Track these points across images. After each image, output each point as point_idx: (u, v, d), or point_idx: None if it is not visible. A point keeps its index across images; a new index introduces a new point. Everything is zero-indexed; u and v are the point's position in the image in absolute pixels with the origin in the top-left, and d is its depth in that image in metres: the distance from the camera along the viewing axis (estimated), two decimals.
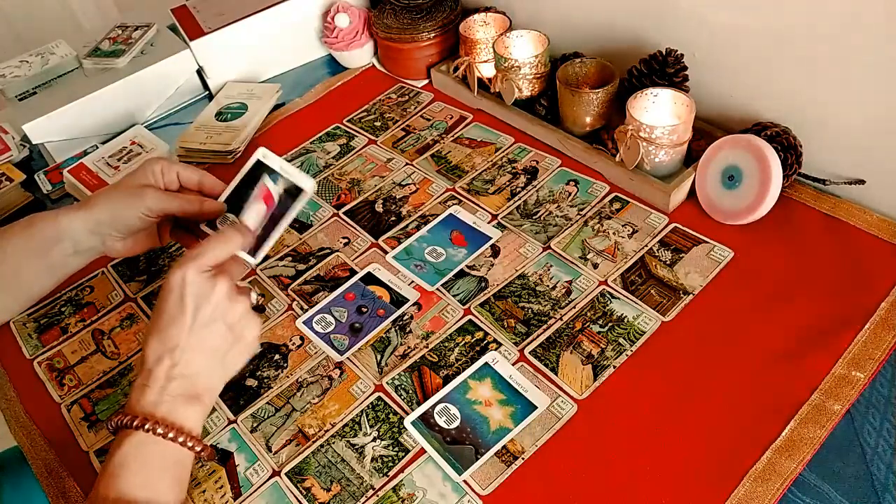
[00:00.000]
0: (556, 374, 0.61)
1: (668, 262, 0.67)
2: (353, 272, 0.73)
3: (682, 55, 0.74)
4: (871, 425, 0.54)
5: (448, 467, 0.56)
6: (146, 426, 0.51)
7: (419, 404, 0.60)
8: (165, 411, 0.53)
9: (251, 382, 0.65)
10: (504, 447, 0.57)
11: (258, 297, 0.62)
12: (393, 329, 0.67)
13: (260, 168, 0.64)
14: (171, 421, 0.52)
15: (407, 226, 0.77)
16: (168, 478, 0.52)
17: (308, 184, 0.61)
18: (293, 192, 0.62)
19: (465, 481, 0.55)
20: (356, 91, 0.98)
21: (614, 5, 0.82)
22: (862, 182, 0.68)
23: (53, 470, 0.62)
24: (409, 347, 0.65)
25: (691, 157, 0.73)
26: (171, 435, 0.52)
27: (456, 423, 0.58)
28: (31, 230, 0.67)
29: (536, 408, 0.58)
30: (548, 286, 0.67)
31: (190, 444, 0.53)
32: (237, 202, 0.64)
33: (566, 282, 0.68)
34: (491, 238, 0.73)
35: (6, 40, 1.90)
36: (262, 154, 0.63)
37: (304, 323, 0.69)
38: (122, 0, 2.03)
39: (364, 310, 0.69)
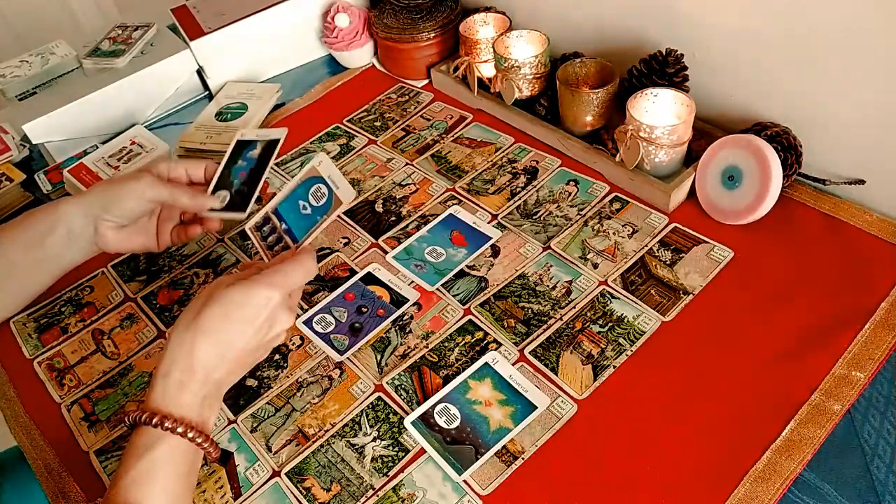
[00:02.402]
0: (556, 374, 0.61)
1: (668, 262, 0.67)
2: (353, 272, 0.73)
3: (682, 55, 0.74)
4: (871, 425, 0.54)
5: (448, 467, 0.56)
6: (189, 434, 0.50)
7: (419, 404, 0.60)
8: (197, 413, 0.52)
9: (251, 382, 0.65)
10: (504, 447, 0.57)
11: None
12: (393, 329, 0.67)
13: (243, 147, 0.70)
14: (202, 424, 0.52)
15: (407, 226, 0.77)
16: (188, 484, 0.51)
17: (349, 196, 0.65)
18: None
19: (465, 481, 0.55)
20: (356, 91, 0.98)
21: (614, 5, 0.82)
22: (862, 182, 0.68)
23: (53, 470, 0.62)
24: (409, 347, 0.65)
25: (691, 157, 0.73)
26: (199, 440, 0.51)
27: (456, 423, 0.58)
28: (26, 221, 0.67)
29: (536, 408, 0.58)
30: (548, 286, 0.67)
31: (210, 448, 0.53)
32: (227, 177, 0.69)
33: (566, 282, 0.68)
34: (491, 238, 0.73)
35: (6, 40, 1.90)
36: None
37: (304, 323, 0.69)
38: (122, 0, 2.03)
39: (364, 310, 0.69)
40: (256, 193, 0.66)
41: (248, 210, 0.66)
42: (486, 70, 0.87)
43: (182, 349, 0.52)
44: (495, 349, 0.63)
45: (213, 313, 0.53)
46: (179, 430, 0.50)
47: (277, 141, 0.67)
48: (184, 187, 0.66)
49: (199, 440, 0.51)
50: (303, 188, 0.65)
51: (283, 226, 0.64)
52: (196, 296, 0.55)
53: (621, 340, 0.62)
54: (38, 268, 0.69)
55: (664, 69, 0.74)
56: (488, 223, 0.75)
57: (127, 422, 0.51)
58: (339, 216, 0.79)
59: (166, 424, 0.50)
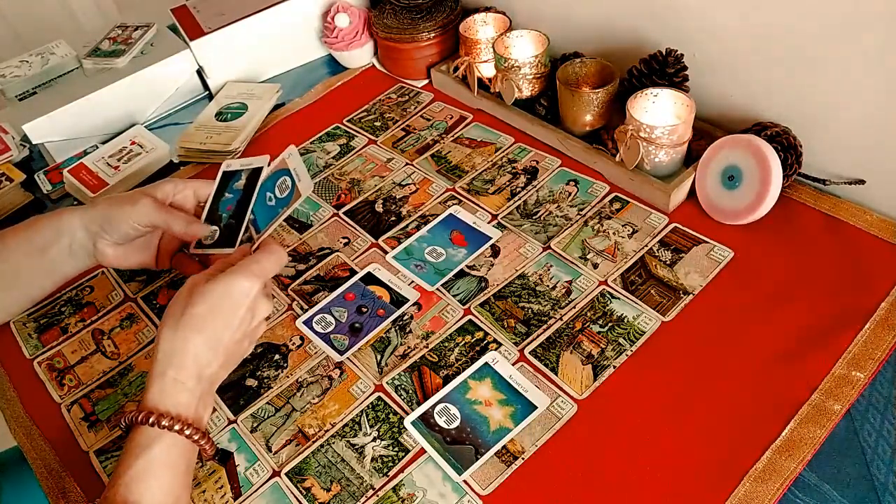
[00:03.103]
0: (556, 374, 0.61)
1: (668, 262, 0.67)
2: (353, 272, 0.73)
3: (682, 55, 0.74)
4: (871, 425, 0.54)
5: (448, 467, 0.56)
6: (186, 431, 0.51)
7: (419, 404, 0.60)
8: (193, 411, 0.52)
9: (251, 382, 0.65)
10: (504, 447, 0.57)
11: None
12: (393, 329, 0.67)
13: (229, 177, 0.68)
14: (198, 422, 0.53)
15: (407, 226, 0.77)
16: (186, 481, 0.52)
17: (307, 190, 0.63)
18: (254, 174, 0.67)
19: (465, 481, 0.55)
20: (356, 91, 0.98)
21: (614, 5, 0.82)
22: (862, 182, 0.68)
23: (53, 470, 0.62)
24: (409, 347, 0.65)
25: (691, 157, 0.73)
26: (195, 437, 0.52)
27: (456, 423, 0.58)
28: (32, 227, 0.67)
29: (536, 408, 0.58)
30: (548, 286, 0.67)
31: (206, 445, 0.53)
32: (216, 210, 0.67)
33: (566, 282, 0.68)
34: (491, 238, 0.73)
35: (6, 40, 1.90)
36: (225, 162, 0.68)
37: (304, 323, 0.69)
38: (122, 0, 2.03)
39: (364, 310, 0.69)
40: (244, 226, 0.65)
41: (237, 245, 0.65)
42: (486, 70, 0.87)
43: (174, 348, 0.53)
44: (495, 349, 0.63)
45: (198, 310, 0.54)
46: (176, 427, 0.51)
47: (261, 169, 0.66)
48: (180, 214, 0.65)
49: (195, 437, 0.52)
50: (271, 180, 0.65)
51: (251, 216, 0.65)
52: (176, 294, 0.56)
53: (621, 340, 0.62)
54: (41, 274, 0.69)
55: (664, 69, 0.74)
56: (488, 223, 0.75)
57: (123, 423, 0.52)
58: (337, 217, 0.79)
59: (163, 423, 0.50)
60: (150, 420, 0.50)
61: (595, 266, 0.68)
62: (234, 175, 0.68)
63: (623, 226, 0.71)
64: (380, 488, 0.56)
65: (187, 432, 0.51)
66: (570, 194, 0.76)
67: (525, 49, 0.85)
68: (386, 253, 0.74)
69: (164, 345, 0.53)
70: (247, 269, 0.56)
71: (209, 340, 0.53)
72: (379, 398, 0.62)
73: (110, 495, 0.48)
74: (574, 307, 0.65)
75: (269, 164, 0.66)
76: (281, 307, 0.71)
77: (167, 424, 0.50)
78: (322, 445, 0.59)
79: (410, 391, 0.62)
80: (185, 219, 0.65)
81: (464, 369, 0.62)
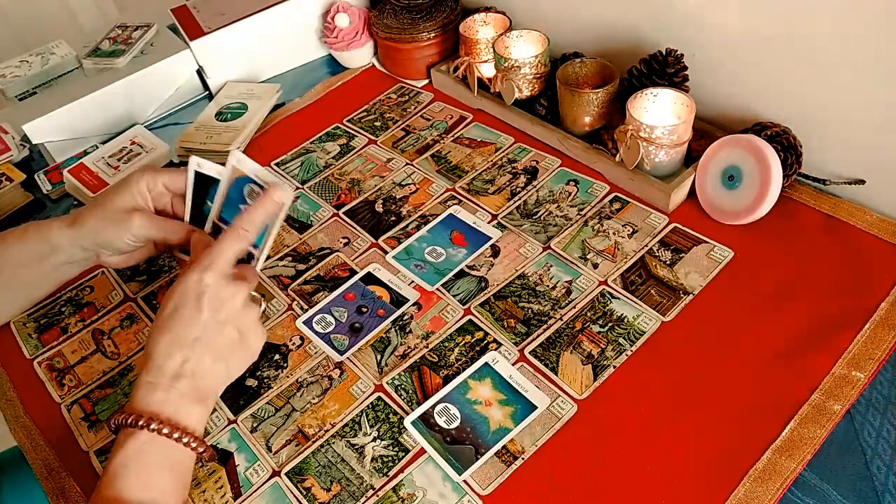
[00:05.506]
0: (556, 374, 0.61)
1: (668, 262, 0.67)
2: (353, 272, 0.73)
3: (682, 55, 0.74)
4: (871, 425, 0.54)
5: (448, 467, 0.56)
6: (151, 426, 0.51)
7: (419, 404, 0.60)
8: (172, 411, 0.53)
9: (251, 382, 0.65)
10: (504, 447, 0.57)
11: (265, 307, 0.62)
12: (393, 329, 0.67)
13: (208, 179, 0.64)
14: (177, 421, 0.53)
15: (407, 226, 0.77)
16: (171, 478, 0.52)
17: (287, 196, 0.60)
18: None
19: (465, 481, 0.55)
20: (356, 91, 0.98)
21: (614, 5, 0.82)
22: (862, 182, 0.68)
23: (53, 470, 0.62)
24: (409, 347, 0.65)
25: (691, 157, 0.73)
26: (175, 435, 0.52)
27: (456, 423, 0.58)
28: (25, 238, 0.67)
29: (536, 408, 0.58)
30: (548, 286, 0.67)
31: (193, 444, 0.53)
32: (199, 213, 0.65)
33: (566, 282, 0.68)
34: (491, 238, 0.73)
35: (6, 40, 1.90)
36: (237, 160, 0.62)
37: (304, 323, 0.69)
38: (122, 0, 2.03)
39: (364, 310, 0.69)
40: (265, 254, 0.62)
41: (258, 263, 0.62)
42: (486, 70, 0.87)
43: (148, 353, 0.55)
44: (495, 349, 0.63)
45: (165, 313, 0.55)
46: (141, 422, 0.51)
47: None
48: (174, 224, 0.65)
49: (165, 431, 0.52)
50: (235, 191, 0.62)
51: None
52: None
53: (621, 340, 0.62)
54: (41, 279, 0.70)
55: (664, 69, 0.74)
56: (488, 223, 0.75)
57: (113, 425, 0.53)
58: (337, 217, 0.79)
59: (129, 420, 0.51)
60: (121, 420, 0.52)
61: (595, 266, 0.68)
62: (214, 183, 0.64)
63: (623, 226, 0.72)
64: (380, 488, 0.56)
65: (153, 426, 0.51)
66: (570, 194, 0.76)
67: (525, 49, 0.85)
68: (386, 253, 0.74)
69: (145, 352, 0.55)
70: (198, 262, 0.56)
71: (176, 339, 0.54)
72: (379, 398, 0.62)
73: (94, 494, 0.50)
74: (574, 307, 0.65)
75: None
76: (281, 307, 0.71)
77: (132, 421, 0.51)
78: (322, 445, 0.59)
79: (410, 391, 0.62)
80: (184, 229, 0.65)
81: (464, 369, 0.62)
